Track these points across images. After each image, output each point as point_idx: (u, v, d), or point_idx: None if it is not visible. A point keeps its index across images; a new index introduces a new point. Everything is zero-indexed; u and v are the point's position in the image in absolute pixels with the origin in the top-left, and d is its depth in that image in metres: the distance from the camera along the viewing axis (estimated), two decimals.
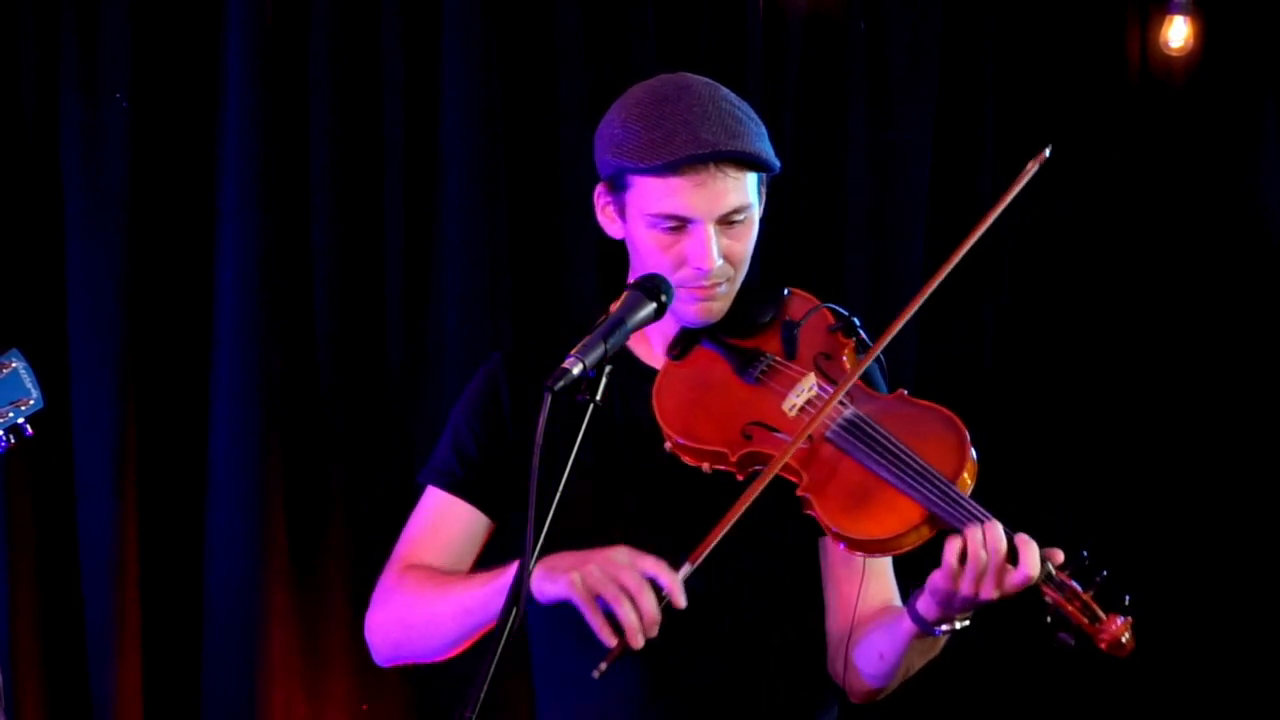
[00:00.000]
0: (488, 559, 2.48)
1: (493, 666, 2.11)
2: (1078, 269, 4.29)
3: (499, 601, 2.17)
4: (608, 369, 2.19)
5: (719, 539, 2.22)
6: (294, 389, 3.89)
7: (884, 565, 2.42)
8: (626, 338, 2.23)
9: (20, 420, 2.72)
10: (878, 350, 2.35)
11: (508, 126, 3.96)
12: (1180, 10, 4.29)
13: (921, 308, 2.37)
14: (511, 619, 2.12)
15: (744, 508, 2.24)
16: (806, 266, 4.08)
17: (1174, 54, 4.31)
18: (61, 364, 3.75)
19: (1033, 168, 2.38)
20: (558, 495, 2.18)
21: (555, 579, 2.23)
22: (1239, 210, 4.34)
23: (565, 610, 2.23)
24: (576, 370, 2.16)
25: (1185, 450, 4.31)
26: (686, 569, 2.21)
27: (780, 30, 4.11)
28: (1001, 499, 2.24)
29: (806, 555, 2.44)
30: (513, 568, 2.26)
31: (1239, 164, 4.35)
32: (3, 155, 3.74)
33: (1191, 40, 4.30)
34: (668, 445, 2.38)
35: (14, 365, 2.71)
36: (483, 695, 2.10)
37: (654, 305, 2.27)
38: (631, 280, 2.42)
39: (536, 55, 3.99)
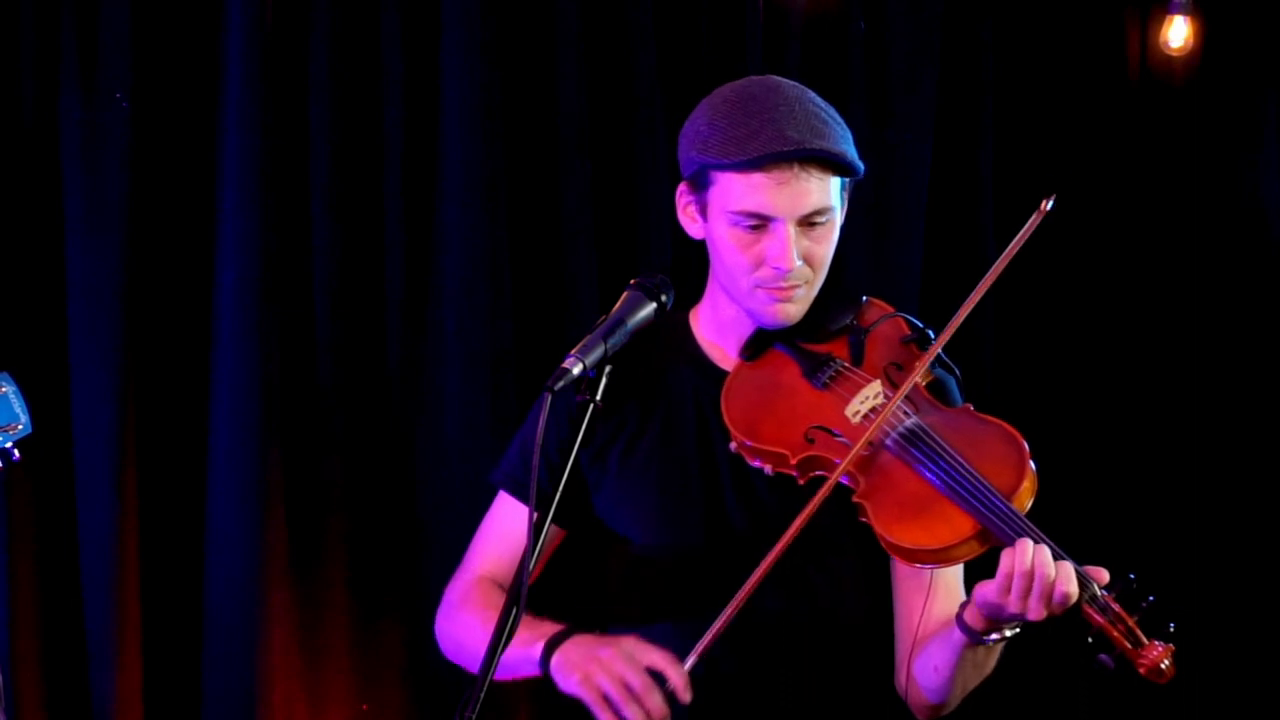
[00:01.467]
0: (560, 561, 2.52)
1: (493, 666, 2.11)
2: (1077, 269, 4.29)
3: (527, 669, 2.32)
4: (608, 369, 2.19)
5: (735, 613, 2.25)
6: (294, 389, 3.89)
7: (952, 583, 2.41)
8: (627, 338, 2.23)
9: (8, 445, 2.71)
10: (927, 361, 2.35)
11: (508, 126, 3.96)
12: (1180, 10, 4.29)
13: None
14: (511, 619, 2.12)
15: (783, 549, 2.25)
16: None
17: (1174, 54, 4.31)
18: (61, 364, 3.75)
19: (1038, 219, 2.37)
20: (558, 495, 2.18)
21: (568, 676, 2.29)
22: (1239, 210, 4.34)
23: None
24: (576, 370, 2.16)
25: (1185, 451, 4.30)
26: (693, 659, 2.25)
27: (780, 30, 4.10)
28: (1043, 507, 2.25)
29: (871, 566, 2.43)
30: (542, 634, 2.35)
31: (1239, 164, 4.34)
32: (3, 155, 3.74)
33: (1191, 40, 4.30)
34: (732, 445, 2.38)
35: (4, 389, 2.70)
36: (483, 695, 2.10)
37: (654, 305, 2.28)
38: (712, 280, 2.43)
39: (536, 55, 3.99)
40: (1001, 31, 4.25)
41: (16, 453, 2.70)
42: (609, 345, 2.20)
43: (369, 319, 3.94)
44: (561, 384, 2.15)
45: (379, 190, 3.93)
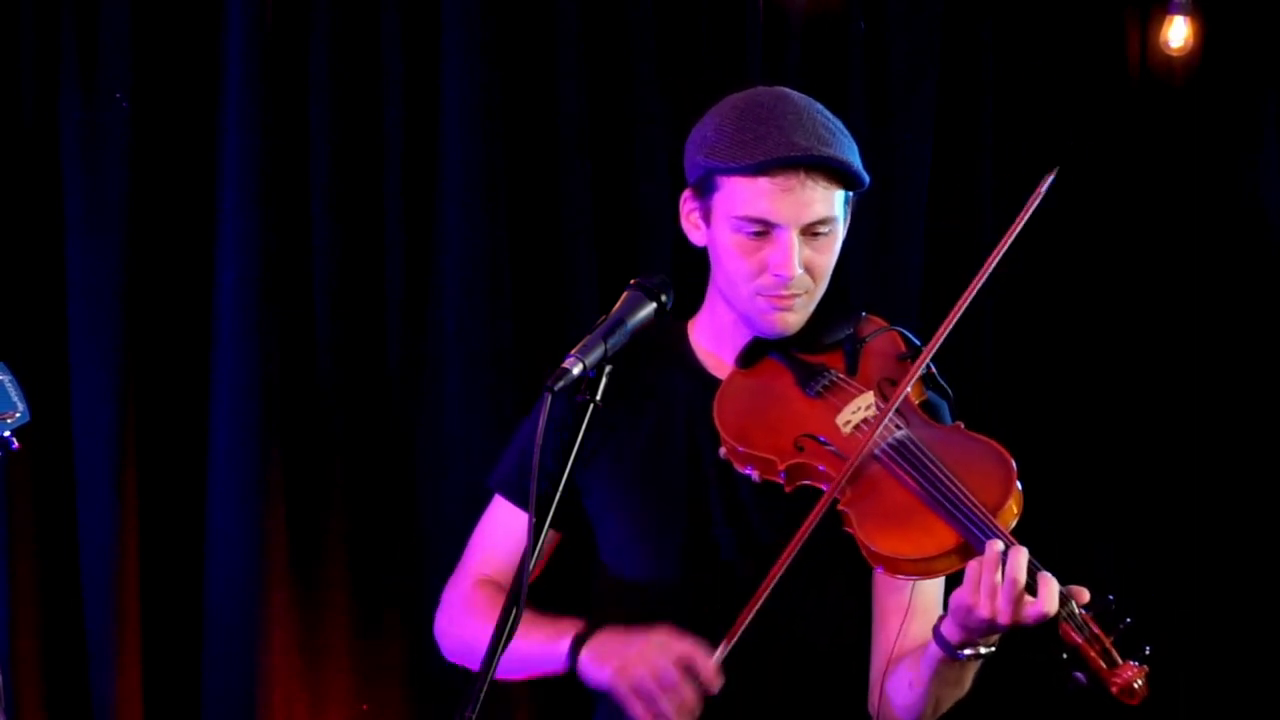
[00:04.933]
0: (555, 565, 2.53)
1: (493, 666, 2.12)
2: (1077, 269, 4.29)
3: (550, 665, 2.32)
4: (608, 369, 2.19)
5: (756, 610, 2.25)
6: (294, 389, 3.89)
7: (932, 604, 2.40)
8: (627, 338, 2.23)
9: (5, 434, 2.71)
10: (917, 371, 2.35)
11: (508, 126, 3.96)
12: (1180, 10, 4.29)
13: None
14: (511, 619, 2.13)
15: (783, 568, 2.26)
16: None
17: (1174, 54, 4.31)
18: (61, 364, 3.75)
19: (1041, 190, 2.36)
20: (557, 496, 2.19)
21: (600, 669, 2.29)
22: (1239, 210, 4.34)
23: None
24: (576, 370, 2.16)
25: (1185, 451, 4.30)
26: (723, 648, 2.25)
27: (780, 30, 4.11)
28: (1039, 531, 2.25)
29: (855, 584, 2.43)
30: (564, 630, 2.35)
31: (1239, 164, 4.34)
32: (3, 155, 3.74)
33: (1191, 40, 4.30)
34: (721, 451, 2.39)
35: (0, 379, 2.70)
36: (483, 695, 2.10)
37: (654, 305, 2.28)
38: (712, 287, 2.43)
39: (536, 55, 3.99)
40: (1001, 31, 4.25)
41: (15, 441, 2.70)
42: (609, 345, 2.20)
43: (369, 319, 3.94)
44: (562, 384, 2.15)
45: (379, 190, 3.93)
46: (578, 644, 2.34)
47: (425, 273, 3.95)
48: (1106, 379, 4.30)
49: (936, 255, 4.18)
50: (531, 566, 2.14)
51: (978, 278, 2.34)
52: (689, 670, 2.23)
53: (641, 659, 2.25)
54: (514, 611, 2.13)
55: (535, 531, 2.15)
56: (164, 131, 3.83)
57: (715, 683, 2.23)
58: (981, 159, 4.23)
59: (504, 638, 2.13)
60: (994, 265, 2.34)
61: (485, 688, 2.10)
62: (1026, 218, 2.33)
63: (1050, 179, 2.35)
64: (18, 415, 2.68)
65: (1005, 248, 2.34)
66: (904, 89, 4.17)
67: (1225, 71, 4.33)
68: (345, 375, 3.92)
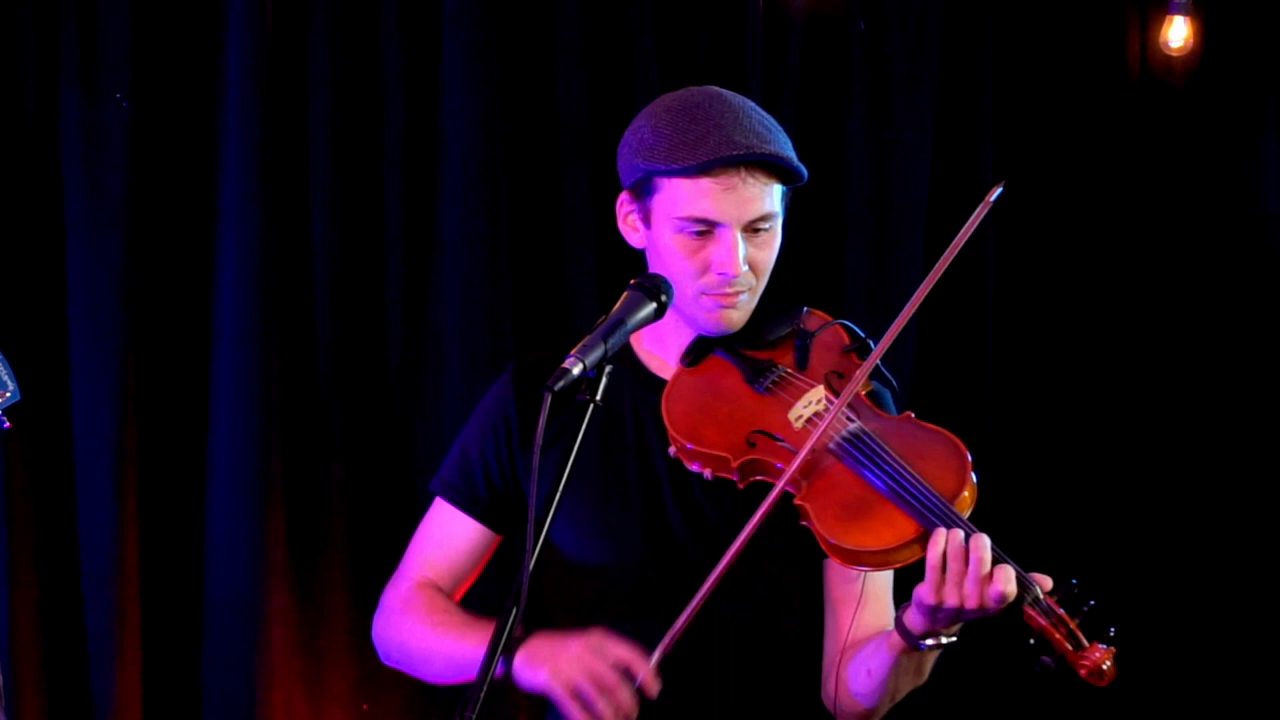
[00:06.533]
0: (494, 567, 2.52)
1: (493, 666, 2.11)
2: (1077, 270, 4.29)
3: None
4: (608, 369, 2.19)
5: (698, 609, 2.25)
6: (294, 389, 3.89)
7: (883, 592, 2.43)
8: (626, 338, 2.23)
9: None
10: (870, 367, 2.37)
11: (508, 126, 3.96)
12: (1180, 10, 4.29)
13: (918, 317, 2.37)
14: (511, 620, 2.12)
15: (732, 561, 2.26)
16: (806, 267, 4.08)
17: (1174, 54, 4.31)
18: (61, 364, 3.75)
19: (990, 200, 2.37)
20: (557, 496, 2.18)
21: (535, 670, 2.28)
22: (1239, 210, 4.34)
23: None
24: (576, 370, 2.16)
25: (1183, 452, 4.30)
26: (661, 651, 2.25)
27: (780, 30, 4.10)
28: (1001, 519, 2.25)
29: (808, 576, 2.44)
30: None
31: (1239, 164, 4.34)
32: (3, 155, 3.74)
33: (1191, 40, 4.30)
34: (672, 450, 2.39)
35: None
36: (483, 695, 2.10)
37: (654, 305, 2.28)
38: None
39: (536, 55, 3.99)
40: (1001, 31, 4.25)
41: (7, 421, 2.69)
42: (609, 345, 2.20)
43: (369, 319, 3.94)
44: (562, 384, 2.15)
45: (379, 190, 3.93)
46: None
47: (425, 273, 3.95)
48: (1106, 379, 4.30)
49: (936, 255, 4.16)
50: (531, 566, 2.14)
51: (924, 285, 2.35)
52: (626, 673, 2.24)
53: (577, 661, 2.25)
54: (515, 612, 2.13)
55: (535, 531, 2.15)
56: (164, 131, 3.83)
57: (653, 686, 2.24)
58: (981, 159, 4.23)
59: (505, 638, 2.12)
60: (940, 274, 2.35)
61: (485, 688, 2.10)
62: (972, 231, 2.35)
63: (998, 191, 2.37)
64: (8, 395, 2.68)
65: (950, 259, 2.34)
66: (904, 89, 4.17)
67: (1225, 71, 4.32)
68: (345, 375, 3.92)
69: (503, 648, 2.13)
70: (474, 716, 2.09)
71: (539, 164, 4.00)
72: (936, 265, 2.33)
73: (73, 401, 3.76)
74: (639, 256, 3.96)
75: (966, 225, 2.33)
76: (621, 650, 2.26)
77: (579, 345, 2.19)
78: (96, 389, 3.76)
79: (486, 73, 3.92)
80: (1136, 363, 4.31)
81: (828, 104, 4.15)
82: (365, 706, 3.92)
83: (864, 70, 4.15)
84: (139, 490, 3.80)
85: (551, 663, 2.26)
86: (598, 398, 2.19)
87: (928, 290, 2.35)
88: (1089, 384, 4.29)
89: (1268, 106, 4.33)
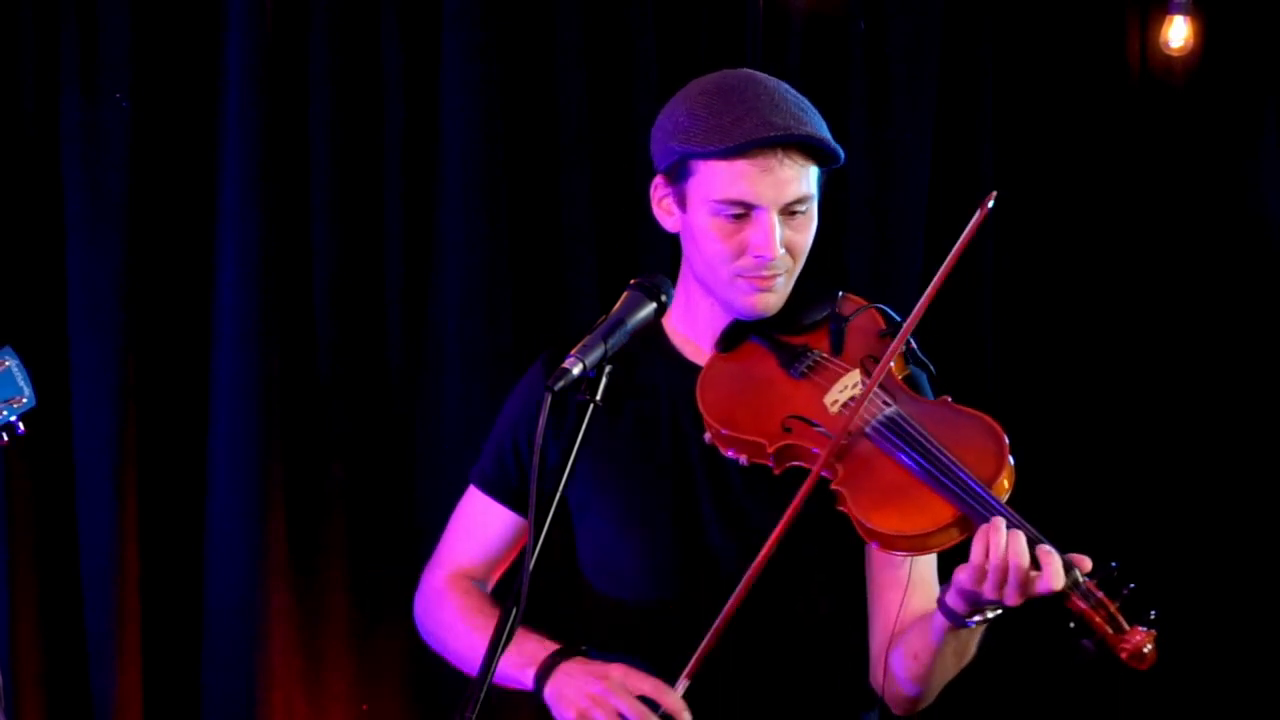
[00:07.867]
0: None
1: (493, 666, 2.12)
2: (1077, 269, 4.29)
3: (518, 677, 2.36)
4: (608, 369, 2.19)
5: (726, 624, 2.26)
6: (294, 389, 3.89)
7: (928, 577, 2.41)
8: (627, 338, 2.23)
9: (13, 418, 2.71)
10: (896, 349, 2.35)
11: (508, 126, 3.96)
12: (1180, 10, 4.28)
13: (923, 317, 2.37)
14: (511, 619, 2.12)
15: (763, 562, 2.25)
16: (806, 266, 4.07)
17: (1174, 54, 4.31)
18: (61, 364, 3.75)
19: (987, 206, 2.36)
20: (557, 496, 2.18)
21: (564, 711, 2.32)
22: (1239, 211, 4.34)
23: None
24: (576, 370, 2.16)
25: (1183, 452, 4.30)
26: (683, 684, 2.26)
27: (780, 30, 4.10)
28: (1034, 504, 2.24)
29: (846, 561, 2.43)
30: (530, 658, 2.37)
31: (1239, 164, 4.34)
32: (3, 155, 3.74)
33: (1191, 40, 4.30)
34: (707, 436, 2.38)
35: (7, 363, 2.70)
36: (483, 695, 2.10)
37: (654, 305, 2.27)
38: (685, 273, 2.43)
39: (536, 55, 3.99)
40: (1001, 31, 4.25)
41: (21, 425, 2.70)
42: (609, 345, 2.20)
43: (369, 319, 3.94)
44: (562, 384, 2.15)
45: (379, 190, 3.93)
46: (541, 678, 2.37)
47: (425, 273, 3.95)
48: (1106, 379, 4.29)
49: (936, 255, 4.17)
50: (531, 565, 2.14)
51: (931, 287, 2.33)
52: (652, 705, 2.26)
53: (602, 702, 2.27)
54: (515, 612, 2.13)
55: (535, 531, 2.15)
56: (164, 131, 3.83)
57: (683, 714, 2.26)
58: (981, 159, 4.23)
59: (504, 638, 2.12)
60: (946, 275, 2.33)
61: (485, 688, 2.10)
62: (969, 239, 2.33)
63: (993, 199, 2.35)
64: (24, 400, 2.68)
65: (950, 268, 2.33)
66: (904, 89, 4.17)
67: (1225, 72, 4.32)
68: (345, 375, 3.92)
69: (501, 649, 2.13)
70: (474, 717, 2.09)
71: (539, 164, 4.00)
72: (939, 272, 2.32)
73: (73, 401, 3.76)
74: (639, 256, 3.99)
75: (965, 233, 2.31)
76: (645, 684, 2.28)
77: (579, 345, 2.19)
78: (96, 389, 3.76)
79: (486, 73, 3.92)
80: (1137, 362, 4.31)
81: (828, 104, 4.13)
82: (365, 706, 3.92)
83: (864, 70, 4.15)
84: (139, 490, 3.80)
85: (578, 705, 2.30)
86: (598, 398, 2.18)
87: (938, 286, 2.33)
88: (1089, 383, 4.29)
89: (1268, 106, 4.33)
